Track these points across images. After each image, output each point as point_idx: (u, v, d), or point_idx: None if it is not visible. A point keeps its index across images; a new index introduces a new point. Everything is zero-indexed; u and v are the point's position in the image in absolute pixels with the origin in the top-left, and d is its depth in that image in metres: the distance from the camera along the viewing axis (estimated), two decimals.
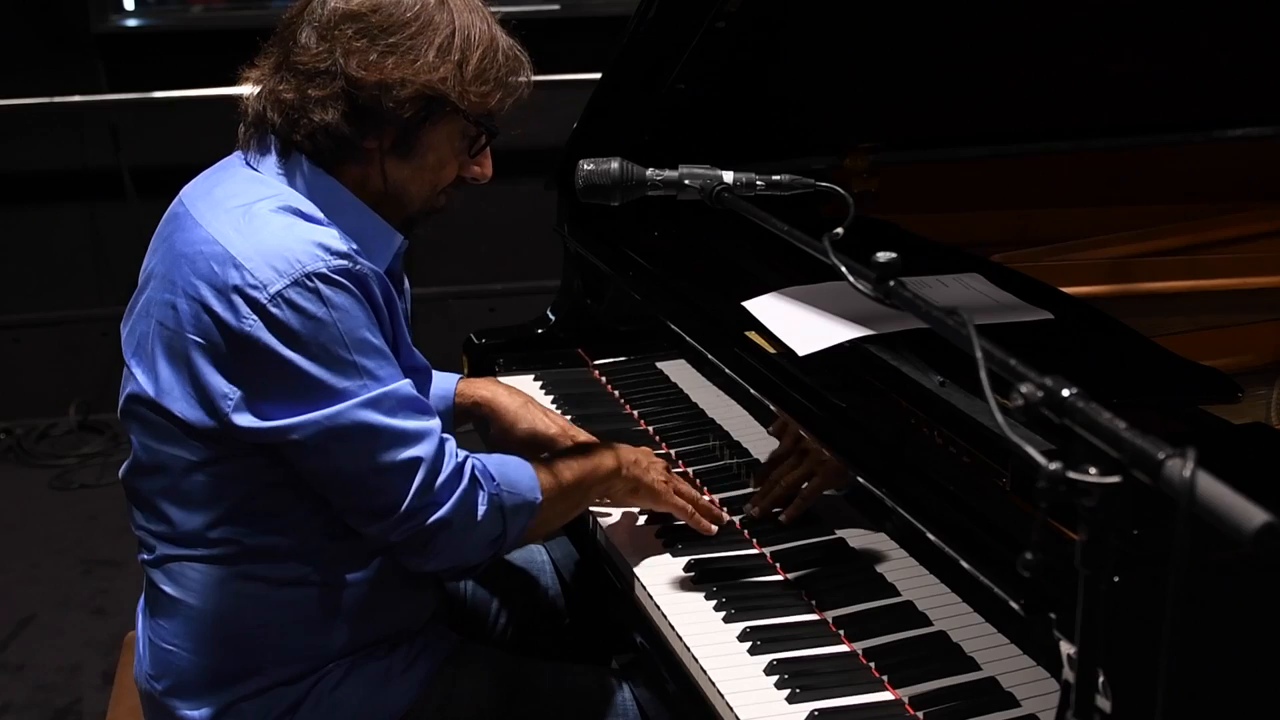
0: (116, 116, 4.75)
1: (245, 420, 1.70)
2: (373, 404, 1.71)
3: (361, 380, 1.71)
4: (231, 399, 1.70)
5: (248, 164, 1.84)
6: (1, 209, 4.86)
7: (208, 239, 1.74)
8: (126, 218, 4.69)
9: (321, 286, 1.68)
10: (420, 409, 1.77)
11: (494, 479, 1.83)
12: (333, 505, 1.78)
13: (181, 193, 1.88)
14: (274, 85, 1.79)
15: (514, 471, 1.88)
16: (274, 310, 1.67)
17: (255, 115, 1.82)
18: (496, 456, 1.89)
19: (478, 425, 2.31)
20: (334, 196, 1.80)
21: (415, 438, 1.74)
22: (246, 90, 1.84)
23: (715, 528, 2.05)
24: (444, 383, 2.25)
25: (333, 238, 1.73)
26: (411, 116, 1.76)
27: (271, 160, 1.81)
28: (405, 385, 1.76)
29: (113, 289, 4.80)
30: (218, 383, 1.71)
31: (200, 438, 1.76)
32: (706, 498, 2.18)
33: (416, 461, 1.74)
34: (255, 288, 1.67)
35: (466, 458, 1.81)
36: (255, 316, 1.67)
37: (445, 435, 1.79)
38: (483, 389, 2.27)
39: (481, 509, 1.80)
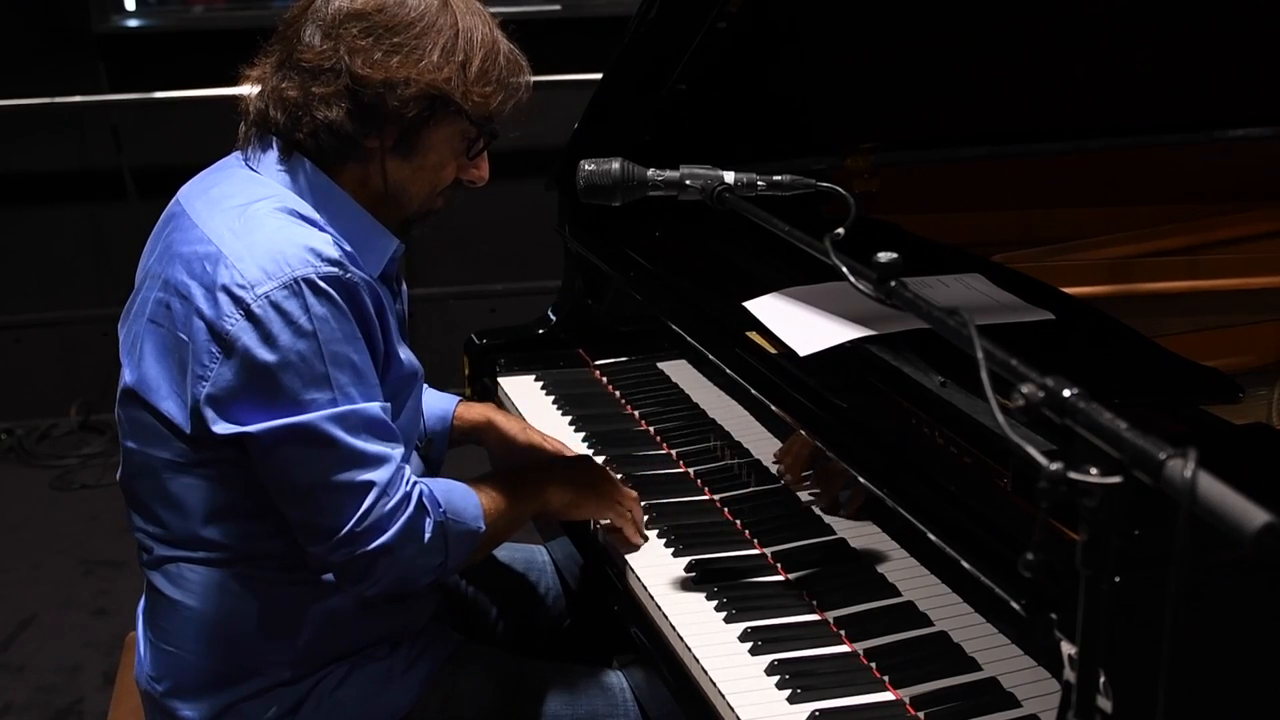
0: (117, 117, 4.75)
1: (211, 417, 1.70)
2: (338, 419, 1.69)
3: (331, 394, 1.69)
4: (200, 396, 1.70)
5: (247, 164, 1.84)
6: (2, 209, 4.86)
7: (203, 239, 1.74)
8: (127, 218, 4.69)
9: (307, 293, 1.68)
10: (384, 434, 1.74)
11: (440, 506, 1.80)
12: (288, 520, 1.77)
13: (179, 193, 1.88)
14: (277, 83, 1.79)
15: (459, 499, 1.84)
16: (258, 311, 1.67)
17: (257, 114, 1.82)
18: (444, 482, 1.86)
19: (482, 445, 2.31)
20: (332, 198, 1.80)
21: (374, 461, 1.72)
22: (247, 90, 1.85)
23: (641, 543, 2.04)
24: (443, 404, 2.25)
25: (326, 243, 1.72)
26: (414, 116, 1.76)
27: (271, 160, 1.81)
28: (374, 408, 1.73)
29: (114, 290, 4.80)
30: (194, 380, 1.71)
31: (185, 439, 1.76)
32: (706, 497, 2.18)
33: (369, 485, 1.71)
34: (242, 287, 1.67)
35: (415, 484, 1.77)
36: (238, 316, 1.67)
37: (402, 464, 1.76)
38: (479, 413, 2.28)
39: (426, 535, 1.77)
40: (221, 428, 1.70)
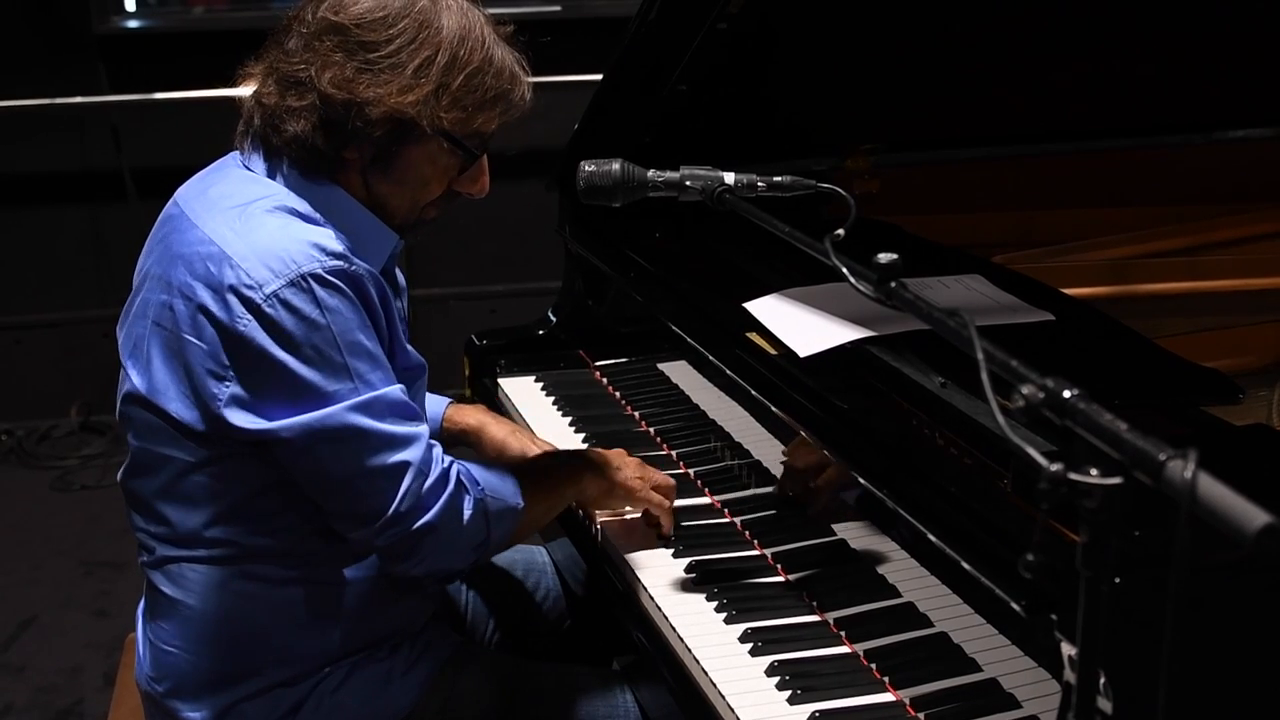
0: (118, 118, 4.75)
1: (237, 419, 1.70)
2: (363, 408, 1.70)
3: (352, 384, 1.70)
4: (222, 398, 1.70)
5: (243, 164, 1.84)
6: (3, 210, 4.86)
7: (203, 239, 1.74)
8: (128, 219, 4.68)
9: (316, 287, 1.68)
10: (409, 415, 1.76)
11: (478, 483, 1.82)
12: (322, 509, 1.78)
13: (176, 194, 1.88)
14: (260, 88, 1.79)
15: (497, 478, 1.87)
16: (269, 310, 1.67)
17: (246, 115, 1.82)
18: (477, 464, 1.88)
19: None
20: (327, 195, 1.80)
21: (404, 442, 1.73)
22: (247, 89, 1.85)
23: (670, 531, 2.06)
24: (433, 406, 2.25)
25: (328, 238, 1.73)
26: (382, 136, 1.75)
27: (263, 160, 1.82)
28: (395, 390, 1.75)
29: (114, 290, 4.76)
30: (211, 382, 1.71)
31: (195, 438, 1.76)
32: (707, 499, 2.18)
33: (404, 466, 1.72)
34: (251, 287, 1.68)
35: (452, 463, 1.80)
36: (250, 316, 1.67)
37: (432, 441, 1.78)
38: (471, 417, 2.27)
39: (467, 513, 1.79)
40: (250, 424, 1.70)
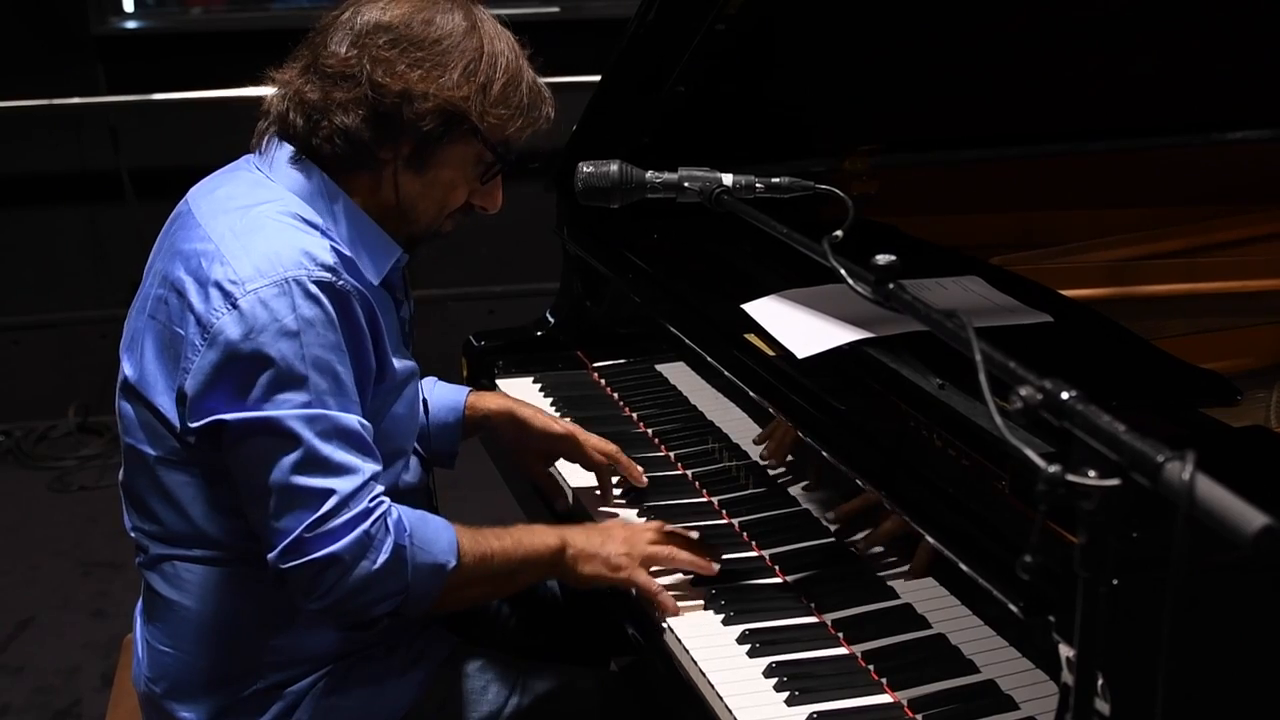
0: (116, 118, 4.75)
1: (189, 406, 1.70)
2: (307, 420, 1.67)
3: (306, 396, 1.68)
4: (183, 386, 1.71)
5: (257, 166, 1.85)
6: (1, 211, 4.86)
7: (204, 237, 1.75)
8: (126, 220, 4.69)
9: (297, 294, 1.68)
10: (358, 446, 1.71)
11: (406, 531, 1.74)
12: (250, 522, 1.75)
13: (188, 193, 1.90)
14: (300, 86, 1.80)
15: (432, 531, 1.78)
16: (244, 306, 1.67)
17: (277, 115, 1.83)
18: (419, 513, 1.80)
19: (486, 439, 2.30)
20: (337, 203, 1.81)
21: (337, 470, 1.69)
22: (265, 92, 1.86)
23: (679, 607, 1.87)
24: (454, 395, 2.25)
25: (322, 249, 1.73)
26: (430, 130, 1.77)
27: (282, 163, 1.82)
28: (350, 419, 1.71)
29: (112, 291, 4.80)
30: (180, 373, 1.72)
31: (179, 433, 1.76)
32: (704, 499, 2.18)
33: (327, 493, 1.67)
34: (234, 283, 1.68)
35: (382, 504, 1.72)
36: (226, 309, 1.68)
37: (376, 483, 1.72)
38: (492, 401, 2.26)
39: (382, 557, 1.70)
40: (195, 417, 1.70)
